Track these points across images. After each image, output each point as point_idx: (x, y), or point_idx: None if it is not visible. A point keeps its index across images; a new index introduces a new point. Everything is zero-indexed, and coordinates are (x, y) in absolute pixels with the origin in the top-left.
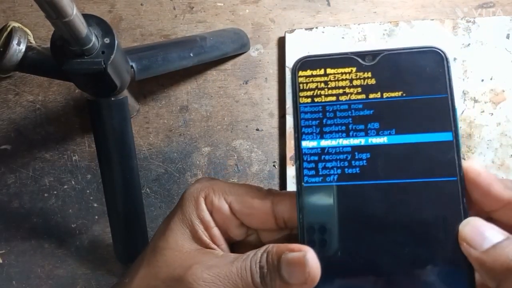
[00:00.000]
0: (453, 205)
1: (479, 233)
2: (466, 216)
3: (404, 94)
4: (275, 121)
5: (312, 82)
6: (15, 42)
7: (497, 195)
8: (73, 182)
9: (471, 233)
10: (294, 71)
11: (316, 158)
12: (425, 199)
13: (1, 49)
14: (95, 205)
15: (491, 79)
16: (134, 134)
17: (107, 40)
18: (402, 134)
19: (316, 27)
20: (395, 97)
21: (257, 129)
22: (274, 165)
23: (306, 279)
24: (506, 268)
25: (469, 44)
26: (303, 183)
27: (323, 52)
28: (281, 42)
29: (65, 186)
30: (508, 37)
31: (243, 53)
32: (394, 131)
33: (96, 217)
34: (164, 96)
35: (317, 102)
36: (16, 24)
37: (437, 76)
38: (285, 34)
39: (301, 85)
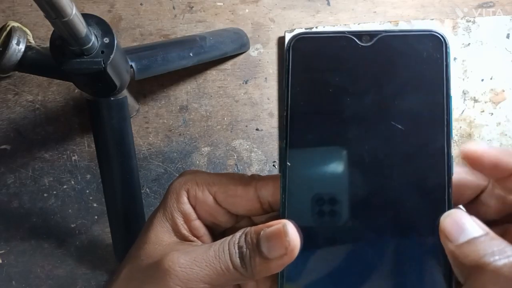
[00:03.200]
0: (438, 196)
1: (458, 226)
2: (450, 208)
3: (399, 79)
4: (275, 121)
5: (306, 60)
6: (14, 41)
7: (507, 167)
8: (72, 182)
9: (450, 225)
10: (288, 49)
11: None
12: (410, 186)
13: (1, 49)
14: (95, 205)
15: (491, 78)
16: (133, 134)
17: (106, 40)
18: (393, 120)
19: (316, 27)
20: (389, 81)
21: (257, 129)
22: (274, 165)
23: (286, 250)
24: (474, 265)
25: (469, 44)
26: (288, 163)
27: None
28: (281, 42)
29: (65, 186)
30: (508, 36)
31: (243, 52)
32: (385, 115)
33: (96, 217)
34: (163, 96)
35: (309, 81)
36: (16, 24)
37: (434, 61)
38: (285, 34)
39: (294, 63)
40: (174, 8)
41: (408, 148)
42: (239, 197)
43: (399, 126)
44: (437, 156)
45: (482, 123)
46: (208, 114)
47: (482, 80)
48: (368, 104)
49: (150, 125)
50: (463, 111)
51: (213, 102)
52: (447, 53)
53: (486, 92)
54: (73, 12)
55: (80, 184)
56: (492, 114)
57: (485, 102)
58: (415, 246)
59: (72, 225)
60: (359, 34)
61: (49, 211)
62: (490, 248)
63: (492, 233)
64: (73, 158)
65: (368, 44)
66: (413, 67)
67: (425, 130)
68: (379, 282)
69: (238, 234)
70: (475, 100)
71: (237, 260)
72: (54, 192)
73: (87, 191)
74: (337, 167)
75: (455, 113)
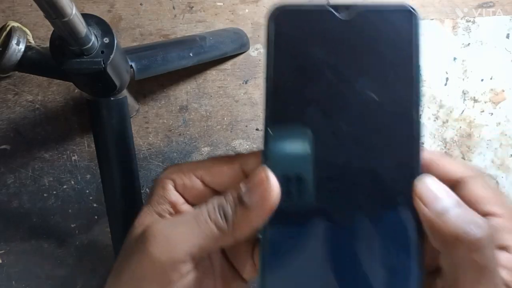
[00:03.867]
0: (409, 162)
1: (433, 193)
2: (419, 173)
3: (371, 48)
4: None
5: (288, 32)
6: (14, 41)
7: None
8: (72, 182)
9: (426, 191)
10: (269, 20)
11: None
12: (384, 151)
13: (0, 49)
14: (95, 205)
15: (491, 78)
16: (133, 134)
17: (106, 40)
18: (368, 90)
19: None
20: (363, 51)
21: (257, 129)
22: None
23: (267, 193)
24: (456, 236)
25: (469, 43)
26: (269, 132)
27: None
28: None
29: (65, 186)
30: (508, 36)
31: (242, 52)
32: (358, 85)
33: (96, 217)
34: (163, 96)
35: (291, 51)
36: (15, 24)
37: (404, 33)
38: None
39: (275, 35)
40: (174, 8)
41: (382, 117)
42: (226, 175)
43: (374, 96)
44: (407, 123)
45: (482, 123)
46: (208, 114)
47: (482, 80)
48: (345, 74)
49: (150, 125)
50: (463, 111)
51: (213, 102)
52: (416, 24)
53: (486, 92)
54: (73, 12)
55: (80, 184)
56: (492, 114)
57: (485, 102)
58: (387, 213)
59: (72, 225)
60: (337, 7)
61: (49, 211)
62: (466, 218)
63: (463, 203)
64: (73, 158)
65: (345, 18)
66: (385, 38)
67: (396, 99)
68: (356, 252)
69: (216, 196)
70: (475, 100)
71: (216, 214)
72: (54, 192)
73: (87, 191)
74: (316, 136)
75: (455, 113)
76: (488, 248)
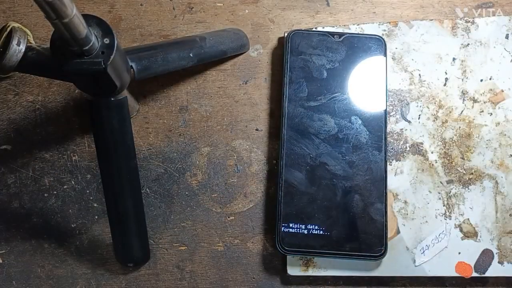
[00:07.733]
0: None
1: None
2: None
3: (352, 63)
4: (274, 121)
5: (298, 48)
6: (14, 42)
7: None
8: (73, 182)
9: None
10: (287, 39)
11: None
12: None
13: (1, 50)
14: (95, 205)
15: (490, 79)
16: (133, 134)
17: (106, 41)
18: (351, 81)
19: (316, 28)
20: (347, 64)
21: (257, 129)
22: (275, 166)
23: None
24: None
25: (468, 44)
26: (287, 109)
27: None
28: (281, 42)
29: (65, 186)
30: (507, 37)
31: (242, 53)
32: (341, 92)
33: (96, 217)
34: (163, 96)
35: (302, 59)
36: (16, 24)
37: (377, 52)
38: (284, 34)
39: (291, 49)
40: (174, 8)
41: (358, 99)
42: None
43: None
44: (379, 108)
45: (481, 123)
46: (208, 114)
47: (481, 80)
48: (337, 74)
49: (150, 125)
50: (462, 111)
51: (213, 103)
52: (385, 49)
53: (485, 92)
54: (74, 13)
55: (81, 184)
56: (491, 114)
57: (484, 102)
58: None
59: (72, 225)
60: (333, 33)
61: (50, 211)
62: None
63: None
64: (74, 158)
65: (339, 40)
66: (364, 54)
67: (371, 83)
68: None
69: None
70: (474, 100)
71: None
72: (55, 192)
73: (88, 191)
74: (322, 113)
75: (455, 113)
76: None
